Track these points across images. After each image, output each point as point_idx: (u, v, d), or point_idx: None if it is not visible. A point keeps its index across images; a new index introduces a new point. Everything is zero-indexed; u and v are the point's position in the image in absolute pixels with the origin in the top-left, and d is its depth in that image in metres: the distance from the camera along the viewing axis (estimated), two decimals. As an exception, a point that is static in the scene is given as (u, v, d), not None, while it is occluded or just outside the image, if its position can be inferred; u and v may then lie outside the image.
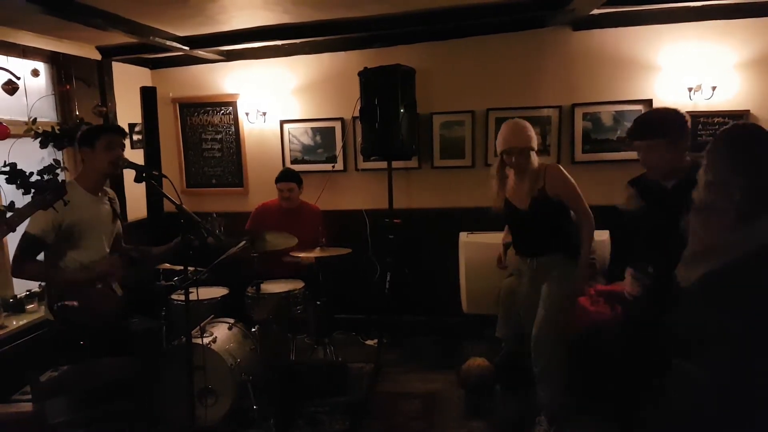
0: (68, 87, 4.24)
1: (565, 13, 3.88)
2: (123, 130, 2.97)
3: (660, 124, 2.48)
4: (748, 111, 4.11)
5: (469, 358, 3.74)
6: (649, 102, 4.22)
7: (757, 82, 4.09)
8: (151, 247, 3.28)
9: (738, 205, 1.74)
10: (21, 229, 2.37)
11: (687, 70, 4.13)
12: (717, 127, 4.14)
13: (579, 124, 4.38)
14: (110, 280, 2.83)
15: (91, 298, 2.74)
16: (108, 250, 2.94)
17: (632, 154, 4.17)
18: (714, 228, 1.80)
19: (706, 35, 4.10)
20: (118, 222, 3.08)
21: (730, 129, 1.91)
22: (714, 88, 4.06)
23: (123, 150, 2.90)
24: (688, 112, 4.10)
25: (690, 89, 4.11)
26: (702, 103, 4.10)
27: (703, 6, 3.89)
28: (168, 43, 4.06)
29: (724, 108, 4.13)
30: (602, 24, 4.21)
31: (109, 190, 3.06)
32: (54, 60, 4.20)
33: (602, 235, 3.92)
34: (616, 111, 4.32)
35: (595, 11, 3.84)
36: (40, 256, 2.75)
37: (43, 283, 3.58)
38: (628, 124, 4.18)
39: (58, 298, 2.69)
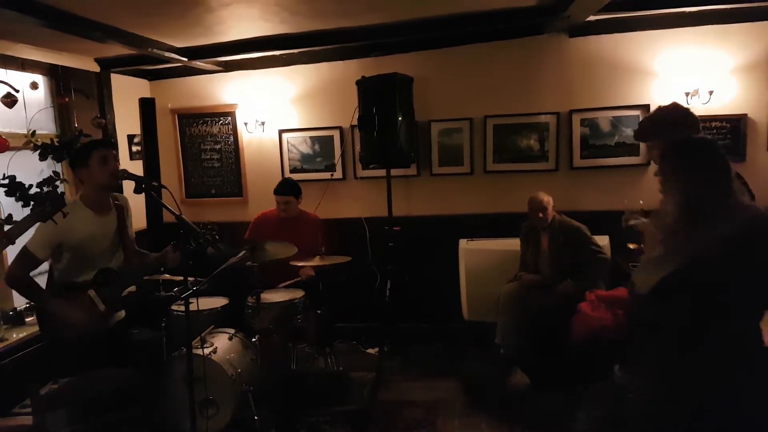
0: (67, 99, 4.25)
1: (561, 20, 3.90)
2: (111, 141, 2.92)
3: (650, 126, 2.48)
4: (746, 115, 4.12)
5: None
6: (647, 107, 4.23)
7: (754, 86, 4.10)
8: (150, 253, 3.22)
9: (682, 211, 1.79)
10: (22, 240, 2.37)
11: (684, 75, 4.14)
12: (714, 131, 4.15)
13: (577, 130, 4.38)
14: (81, 328, 2.65)
15: (70, 314, 2.63)
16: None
17: (630, 159, 4.27)
18: (668, 234, 1.84)
19: (703, 40, 4.12)
20: (128, 231, 2.98)
21: (677, 141, 1.95)
22: (711, 93, 4.08)
23: (117, 161, 2.85)
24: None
25: (687, 94, 4.12)
26: (699, 107, 4.11)
27: (698, 11, 3.92)
28: (166, 54, 4.08)
29: (721, 112, 4.14)
30: (598, 30, 4.23)
31: (120, 197, 2.97)
32: (53, 72, 4.21)
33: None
34: (613, 116, 4.33)
35: (591, 18, 3.86)
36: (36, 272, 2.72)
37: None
38: (626, 130, 4.28)
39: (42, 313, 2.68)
